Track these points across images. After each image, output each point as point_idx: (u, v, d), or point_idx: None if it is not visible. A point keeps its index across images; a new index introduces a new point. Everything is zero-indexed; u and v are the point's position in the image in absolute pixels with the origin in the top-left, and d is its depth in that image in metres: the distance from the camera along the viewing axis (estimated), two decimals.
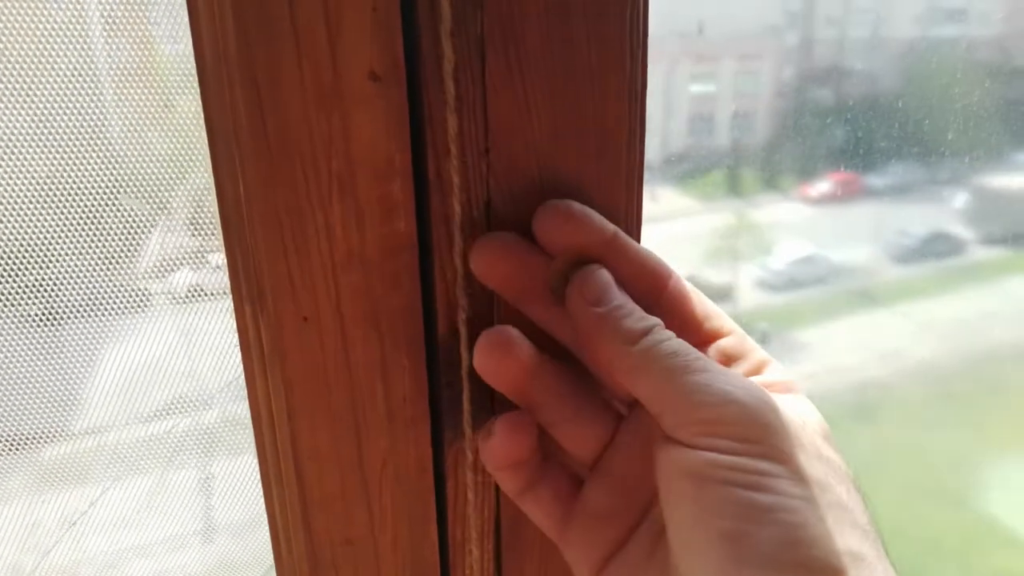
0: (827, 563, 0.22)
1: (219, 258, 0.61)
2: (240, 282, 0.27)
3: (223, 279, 0.57)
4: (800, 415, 0.25)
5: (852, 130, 1.16)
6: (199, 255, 0.64)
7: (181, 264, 0.62)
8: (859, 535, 0.23)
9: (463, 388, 0.28)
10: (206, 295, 0.65)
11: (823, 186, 1.22)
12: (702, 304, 0.28)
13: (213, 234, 0.62)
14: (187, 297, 0.64)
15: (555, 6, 0.26)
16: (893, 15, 1.27)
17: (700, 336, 0.28)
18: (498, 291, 0.28)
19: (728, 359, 0.28)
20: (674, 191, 1.38)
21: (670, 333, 0.25)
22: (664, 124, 1.36)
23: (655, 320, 0.26)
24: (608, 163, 0.28)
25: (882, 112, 1.16)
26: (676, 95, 1.32)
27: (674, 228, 1.39)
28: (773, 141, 1.29)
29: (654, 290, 0.28)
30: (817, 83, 1.26)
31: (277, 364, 0.27)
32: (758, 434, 0.23)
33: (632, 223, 0.29)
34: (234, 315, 0.27)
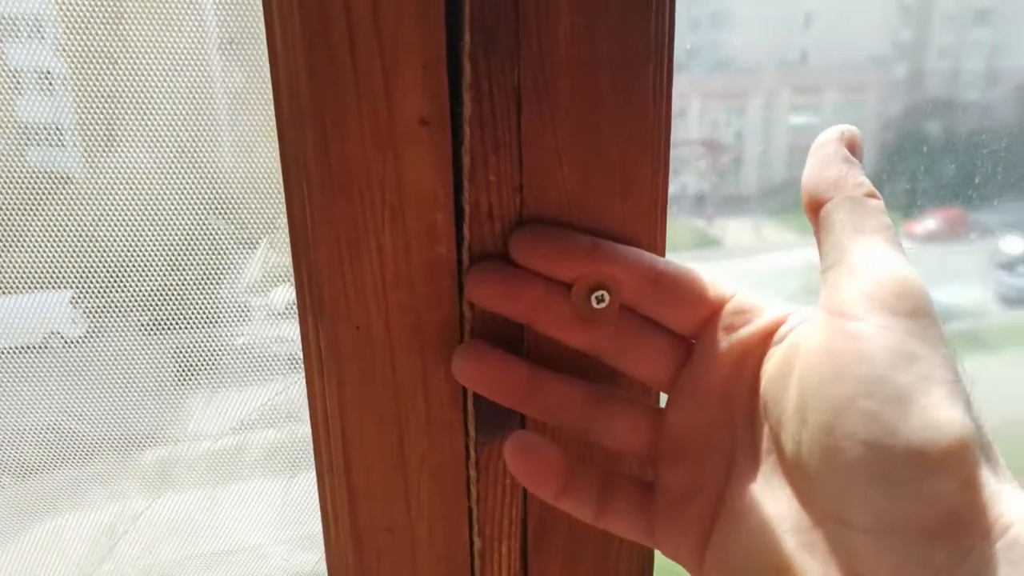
0: (954, 443, 0.24)
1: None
2: (304, 294, 0.32)
3: None
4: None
5: (962, 165, 1.14)
6: None
7: (281, 280, 0.68)
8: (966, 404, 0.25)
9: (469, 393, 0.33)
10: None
11: (929, 223, 1.20)
12: (700, 275, 0.31)
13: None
14: (285, 312, 0.70)
15: (584, 62, 0.30)
16: (1009, 46, 1.24)
17: (710, 303, 0.31)
18: (500, 312, 0.32)
19: (740, 319, 0.31)
20: (772, 224, 1.39)
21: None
22: (763, 155, 1.37)
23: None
24: (632, 202, 0.32)
25: (994, 147, 1.13)
26: (776, 126, 1.32)
27: (770, 262, 1.39)
28: (877, 175, 1.27)
29: (649, 276, 0.31)
30: (926, 116, 1.24)
31: (333, 367, 0.32)
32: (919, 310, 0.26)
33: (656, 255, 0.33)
34: (298, 323, 0.32)
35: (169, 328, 0.66)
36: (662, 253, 0.33)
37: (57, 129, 0.60)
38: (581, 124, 0.30)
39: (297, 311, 0.32)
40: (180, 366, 0.69)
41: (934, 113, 1.24)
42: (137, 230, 0.61)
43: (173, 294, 0.64)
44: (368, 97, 0.29)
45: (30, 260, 0.61)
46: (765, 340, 0.30)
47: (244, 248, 0.64)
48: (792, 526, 0.27)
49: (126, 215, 0.60)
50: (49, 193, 0.60)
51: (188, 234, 0.62)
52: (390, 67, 0.29)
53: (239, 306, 0.67)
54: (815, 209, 0.29)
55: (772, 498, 0.28)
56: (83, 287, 0.62)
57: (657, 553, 0.38)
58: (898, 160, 1.21)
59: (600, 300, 0.30)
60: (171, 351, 0.67)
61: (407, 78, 0.29)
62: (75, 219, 0.60)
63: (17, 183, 0.59)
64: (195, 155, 0.59)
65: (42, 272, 0.61)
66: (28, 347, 0.67)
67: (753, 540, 0.28)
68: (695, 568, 0.31)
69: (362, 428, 0.33)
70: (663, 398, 0.33)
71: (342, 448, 0.33)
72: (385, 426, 0.33)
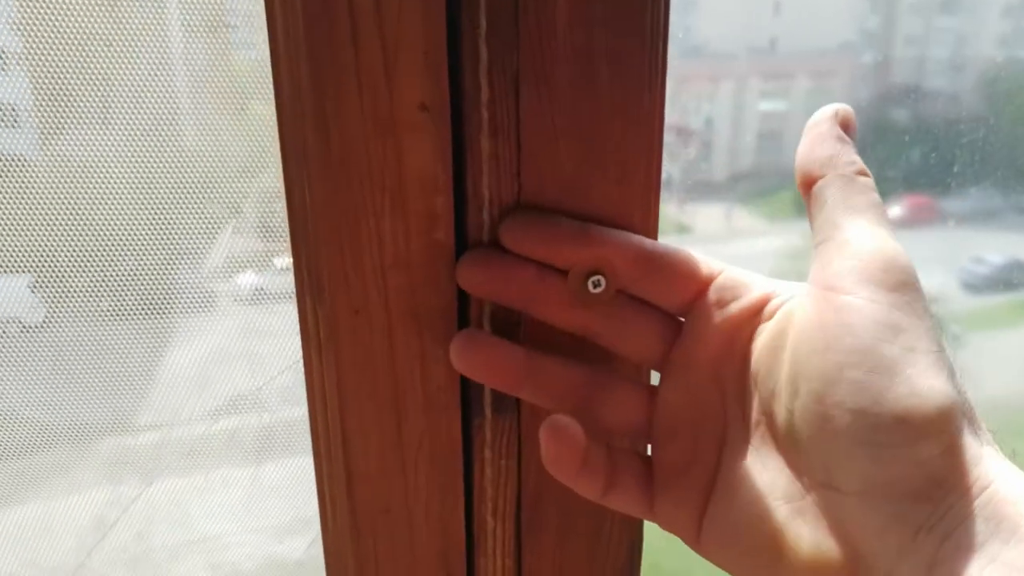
0: (938, 410, 0.26)
1: (284, 261, 0.67)
2: (303, 277, 0.33)
3: (287, 281, 0.63)
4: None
5: (929, 153, 1.17)
6: (264, 258, 0.69)
7: (246, 266, 0.68)
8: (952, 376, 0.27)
9: None
10: (269, 297, 0.71)
11: (896, 210, 1.23)
12: (688, 254, 0.33)
13: (280, 237, 0.67)
14: (251, 298, 0.70)
15: (582, 50, 0.31)
16: (977, 35, 1.28)
17: (699, 280, 0.33)
18: (492, 299, 0.33)
19: (729, 294, 0.32)
20: (741, 210, 1.41)
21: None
22: (732, 141, 1.39)
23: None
24: (626, 187, 0.33)
25: (961, 135, 1.17)
26: (746, 112, 1.35)
27: (741, 248, 1.42)
28: None
29: (639, 257, 0.32)
30: (893, 103, 1.27)
31: (331, 350, 0.33)
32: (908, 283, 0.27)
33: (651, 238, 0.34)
34: (296, 306, 0.33)
35: (131, 315, 0.65)
36: (655, 236, 0.34)
37: (12, 109, 0.59)
38: (578, 110, 0.32)
39: (295, 295, 0.33)
40: (142, 353, 0.69)
41: (901, 100, 1.27)
42: (98, 214, 0.60)
43: (136, 280, 0.64)
44: (369, 83, 0.30)
45: None
46: (754, 315, 0.32)
47: (208, 233, 0.64)
48: (783, 494, 0.29)
49: (87, 198, 0.60)
50: (4, 175, 0.60)
51: (151, 218, 0.62)
52: (391, 53, 0.30)
53: (204, 292, 0.67)
54: (808, 186, 0.31)
55: (763, 469, 0.30)
56: (42, 272, 0.62)
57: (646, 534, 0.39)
58: (866, 146, 1.23)
59: (597, 284, 0.32)
60: (134, 338, 0.67)
61: (408, 64, 0.30)
62: (33, 202, 0.60)
63: None
64: (158, 137, 0.59)
65: None
66: None
67: (747, 510, 0.30)
68: (693, 540, 0.32)
69: (361, 411, 0.34)
70: (655, 377, 0.35)
71: (340, 430, 0.34)
72: (383, 409, 0.34)
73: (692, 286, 0.33)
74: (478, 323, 0.34)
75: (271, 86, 0.31)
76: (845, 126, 0.31)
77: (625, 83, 0.32)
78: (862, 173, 0.30)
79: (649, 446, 0.34)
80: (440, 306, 0.33)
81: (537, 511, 0.37)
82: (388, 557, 0.36)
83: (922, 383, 0.26)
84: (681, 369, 0.33)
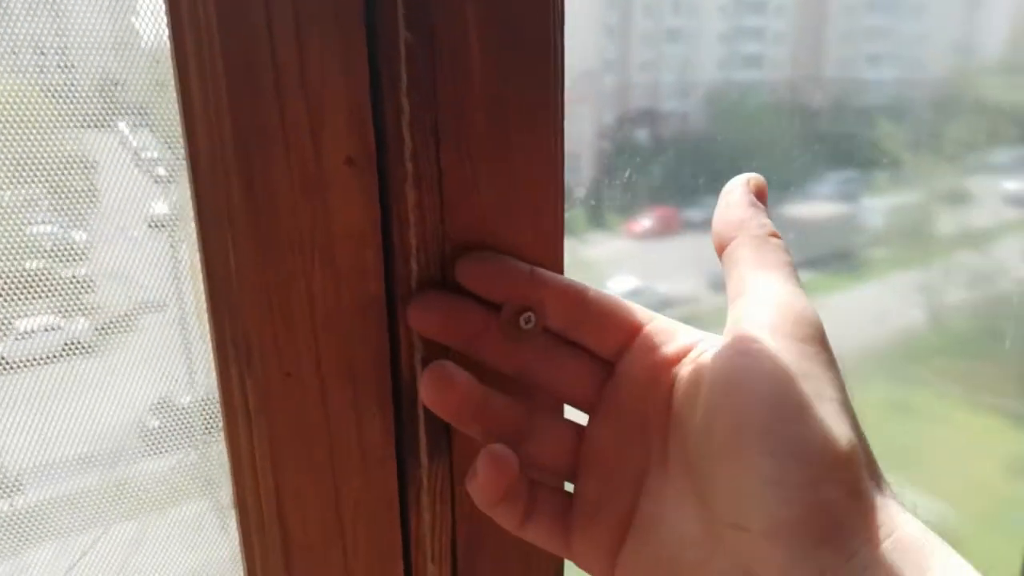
0: (841, 454, 0.27)
1: (27, 324, 0.61)
2: (228, 347, 0.31)
3: (29, 347, 0.58)
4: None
5: (669, 168, 1.30)
6: (3, 324, 0.63)
7: None
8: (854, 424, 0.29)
9: (419, 421, 0.34)
10: (12, 366, 0.64)
11: (645, 222, 1.35)
12: (622, 302, 0.35)
13: (19, 299, 0.60)
14: None
15: (494, 101, 0.33)
16: (699, 60, 1.44)
17: (630, 327, 0.35)
18: (442, 341, 0.34)
19: (657, 340, 0.34)
20: None
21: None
22: None
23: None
24: (538, 229, 0.35)
25: (695, 150, 1.31)
26: None
27: None
28: (598, 181, 1.40)
29: (578, 302, 0.35)
30: (635, 124, 1.39)
31: (263, 418, 0.32)
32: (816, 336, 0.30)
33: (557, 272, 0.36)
34: (217, 378, 0.32)
35: None
36: (561, 272, 0.37)
37: None
38: (494, 158, 0.33)
39: (216, 365, 0.31)
40: None
41: (641, 121, 1.40)
42: None
43: None
44: (295, 140, 0.30)
45: None
46: (678, 361, 0.34)
47: None
48: (696, 537, 0.31)
49: None
50: None
51: None
52: (315, 110, 0.30)
53: None
54: (723, 248, 0.34)
55: (679, 509, 0.32)
56: None
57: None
58: (615, 165, 1.34)
59: (528, 321, 0.33)
60: None
61: (333, 120, 0.30)
62: None
63: None
64: None
65: None
66: None
67: (658, 553, 0.32)
68: None
69: (296, 479, 0.33)
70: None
71: (275, 503, 0.33)
72: (320, 473, 0.33)
73: (624, 332, 0.35)
74: (409, 369, 0.34)
75: None
76: (758, 193, 0.34)
77: (534, 130, 0.34)
78: (773, 235, 0.32)
79: (573, 482, 0.35)
80: (373, 358, 0.33)
81: (470, 551, 0.37)
82: None
83: (828, 428, 0.28)
84: (610, 411, 0.35)
